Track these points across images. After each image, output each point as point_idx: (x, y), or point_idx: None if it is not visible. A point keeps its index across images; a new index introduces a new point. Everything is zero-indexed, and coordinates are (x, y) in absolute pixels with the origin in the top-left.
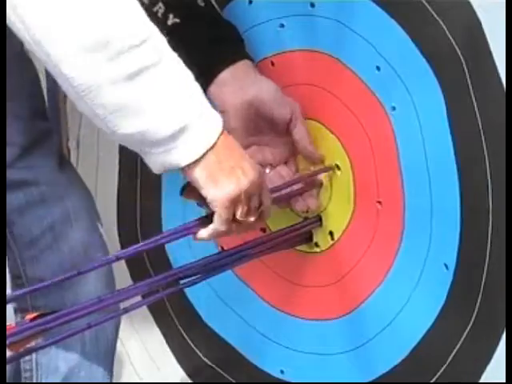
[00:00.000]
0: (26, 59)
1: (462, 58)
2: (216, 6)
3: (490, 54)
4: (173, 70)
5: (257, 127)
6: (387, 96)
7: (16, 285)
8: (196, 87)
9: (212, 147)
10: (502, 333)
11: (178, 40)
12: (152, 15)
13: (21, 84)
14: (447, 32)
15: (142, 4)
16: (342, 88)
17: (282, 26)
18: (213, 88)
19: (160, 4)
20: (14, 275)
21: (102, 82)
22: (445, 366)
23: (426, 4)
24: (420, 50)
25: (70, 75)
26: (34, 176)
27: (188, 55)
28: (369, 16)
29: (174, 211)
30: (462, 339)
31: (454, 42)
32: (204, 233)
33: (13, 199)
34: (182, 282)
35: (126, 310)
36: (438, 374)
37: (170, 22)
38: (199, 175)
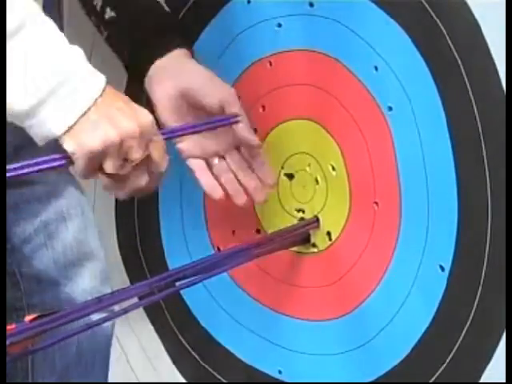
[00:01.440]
0: None
1: (459, 59)
2: None
3: (488, 54)
4: (36, 39)
5: (191, 118)
6: (384, 96)
7: (11, 283)
8: (65, 50)
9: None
10: (502, 333)
11: (115, 34)
12: (91, 9)
13: None
14: (445, 33)
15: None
16: (339, 88)
17: (280, 25)
18: (147, 81)
19: None
20: (8, 273)
21: None
22: (444, 366)
23: (426, 4)
24: (418, 51)
25: None
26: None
27: (126, 48)
28: (368, 16)
29: (171, 209)
30: (460, 340)
31: (451, 43)
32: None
33: (7, 196)
34: (178, 283)
35: (126, 311)
36: (437, 374)
37: (107, 16)
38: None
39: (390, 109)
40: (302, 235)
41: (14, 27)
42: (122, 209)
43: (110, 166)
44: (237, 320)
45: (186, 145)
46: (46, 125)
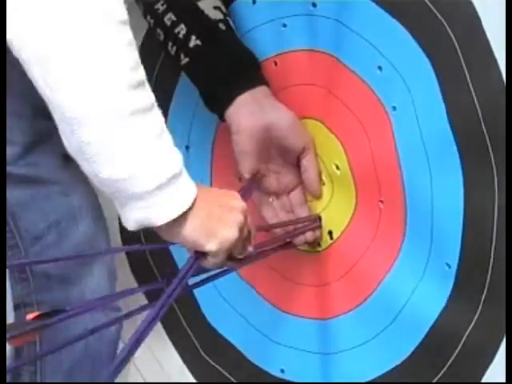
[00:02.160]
0: None
1: (463, 58)
2: (236, 32)
3: (492, 55)
4: (160, 121)
5: (267, 153)
6: (388, 96)
7: (21, 279)
8: (172, 141)
9: (196, 202)
10: (504, 334)
11: (199, 62)
12: (173, 36)
13: (21, 82)
14: (450, 32)
15: (164, 26)
16: (343, 88)
17: (285, 25)
18: (231, 110)
19: (182, 25)
20: (18, 270)
21: (94, 116)
22: (447, 366)
23: (429, 4)
24: (422, 50)
25: (62, 103)
26: (38, 173)
27: (208, 77)
28: (371, 16)
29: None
30: (464, 339)
31: (456, 43)
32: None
33: (18, 194)
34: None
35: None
36: (441, 373)
37: (191, 44)
38: (192, 232)
39: (395, 108)
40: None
41: (151, 102)
42: None
43: (238, 252)
44: (243, 316)
45: (256, 177)
46: (155, 211)
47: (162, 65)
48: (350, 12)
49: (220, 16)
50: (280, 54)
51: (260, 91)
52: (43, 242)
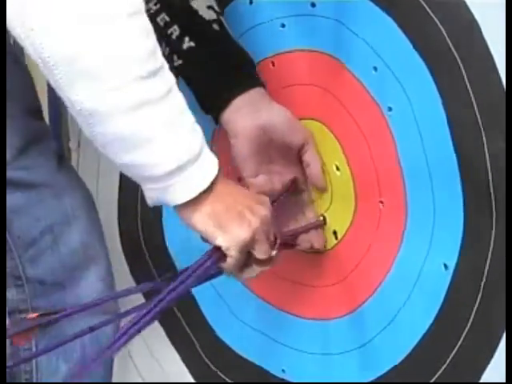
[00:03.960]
0: (15, 57)
1: (459, 57)
2: (230, 31)
3: (488, 52)
4: (177, 107)
5: (267, 155)
6: (383, 96)
7: (16, 285)
8: (195, 125)
9: (212, 189)
10: (502, 333)
11: (193, 64)
12: (166, 37)
13: (12, 82)
14: (444, 32)
15: (157, 26)
16: (341, 89)
17: (283, 26)
18: (226, 113)
19: (175, 26)
20: (13, 276)
21: (104, 110)
22: (445, 366)
23: (424, 4)
24: (417, 51)
25: (74, 99)
26: (32, 176)
27: (202, 79)
28: (367, 16)
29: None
30: (462, 339)
31: (451, 42)
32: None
33: (10, 199)
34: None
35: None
36: (438, 373)
37: (185, 46)
38: (203, 221)
39: (390, 109)
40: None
41: (164, 91)
42: (126, 207)
43: (260, 253)
44: (243, 316)
45: (258, 180)
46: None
47: None
48: (348, 12)
49: (213, 16)
50: (278, 54)
51: (255, 93)
52: (37, 248)
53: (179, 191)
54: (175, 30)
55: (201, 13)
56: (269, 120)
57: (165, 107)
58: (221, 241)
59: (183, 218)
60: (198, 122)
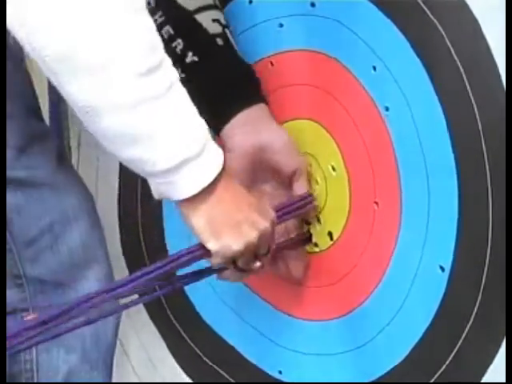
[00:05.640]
0: (15, 57)
1: (457, 58)
2: (235, 45)
3: (488, 52)
4: (177, 104)
5: (260, 174)
6: (381, 96)
7: (16, 285)
8: (199, 121)
9: (214, 190)
10: (503, 334)
11: (195, 78)
12: (170, 50)
13: (11, 82)
14: (443, 33)
15: (161, 38)
16: (339, 89)
17: (282, 25)
18: (226, 129)
19: (179, 40)
20: (13, 275)
21: (104, 106)
22: (444, 367)
23: (423, 5)
24: (415, 51)
25: (75, 96)
26: (31, 176)
27: (204, 94)
28: (367, 16)
29: (175, 209)
30: (460, 341)
31: (449, 43)
32: None
33: (10, 198)
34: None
35: (127, 306)
36: (437, 374)
37: (188, 60)
38: (200, 221)
39: (387, 109)
40: (303, 235)
41: (165, 87)
42: (126, 206)
43: (243, 263)
44: (240, 316)
45: None
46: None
47: None
48: (348, 12)
49: (218, 29)
50: (276, 54)
51: (256, 110)
52: (37, 247)
53: (181, 187)
54: (179, 44)
55: (205, 26)
56: (268, 140)
57: (165, 103)
58: (211, 245)
59: (183, 215)
60: None
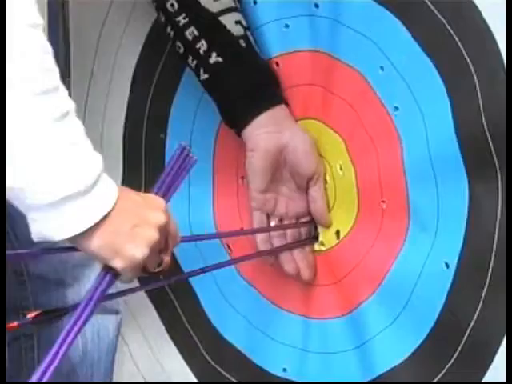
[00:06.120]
0: None
1: (467, 57)
2: (256, 47)
3: (497, 52)
4: (68, 135)
5: (279, 175)
6: (390, 96)
7: (18, 281)
8: (88, 158)
9: (105, 219)
10: (503, 335)
11: (219, 79)
12: (194, 51)
13: None
14: (452, 31)
15: (185, 40)
16: (346, 89)
17: (287, 26)
18: (248, 129)
19: (203, 41)
20: (16, 272)
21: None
22: (448, 366)
23: (430, 4)
24: (423, 50)
25: None
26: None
27: (227, 95)
28: (372, 16)
29: (177, 206)
30: (464, 339)
31: (458, 41)
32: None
33: None
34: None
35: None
36: (441, 374)
37: (212, 61)
38: (96, 246)
39: (396, 109)
40: (310, 233)
41: (62, 113)
42: None
43: (152, 265)
44: (244, 315)
45: (262, 196)
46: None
47: (164, 63)
48: (352, 12)
49: (241, 31)
50: (282, 54)
51: (278, 111)
52: (39, 245)
53: (63, 225)
54: (203, 45)
55: (229, 28)
56: (290, 142)
57: (55, 132)
58: (115, 264)
59: (78, 246)
60: (201, 118)
